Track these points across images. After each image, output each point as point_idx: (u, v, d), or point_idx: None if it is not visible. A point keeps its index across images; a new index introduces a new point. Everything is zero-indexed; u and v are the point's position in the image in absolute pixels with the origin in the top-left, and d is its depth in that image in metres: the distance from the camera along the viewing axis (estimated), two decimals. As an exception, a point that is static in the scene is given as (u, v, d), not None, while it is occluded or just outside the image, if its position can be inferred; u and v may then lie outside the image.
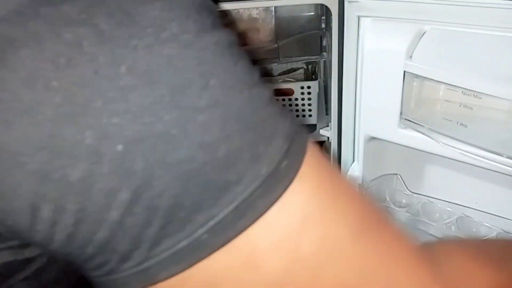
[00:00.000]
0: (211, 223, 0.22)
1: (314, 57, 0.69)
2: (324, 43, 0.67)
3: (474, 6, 0.42)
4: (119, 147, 0.20)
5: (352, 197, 0.26)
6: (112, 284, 0.23)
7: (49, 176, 0.20)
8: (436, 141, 0.48)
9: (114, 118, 0.20)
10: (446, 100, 0.46)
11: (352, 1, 0.50)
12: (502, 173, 0.45)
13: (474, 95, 0.43)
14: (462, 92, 0.44)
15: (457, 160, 0.48)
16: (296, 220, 0.23)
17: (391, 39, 0.48)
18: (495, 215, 0.55)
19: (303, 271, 0.24)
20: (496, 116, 0.44)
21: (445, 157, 0.49)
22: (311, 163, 0.24)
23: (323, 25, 0.66)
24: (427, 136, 0.49)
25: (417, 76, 0.47)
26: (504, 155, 0.44)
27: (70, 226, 0.21)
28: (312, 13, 0.67)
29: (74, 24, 0.20)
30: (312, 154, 0.25)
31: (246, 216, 0.22)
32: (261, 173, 0.22)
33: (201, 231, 0.22)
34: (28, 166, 0.20)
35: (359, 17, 0.51)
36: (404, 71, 0.47)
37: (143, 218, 0.21)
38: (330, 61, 0.61)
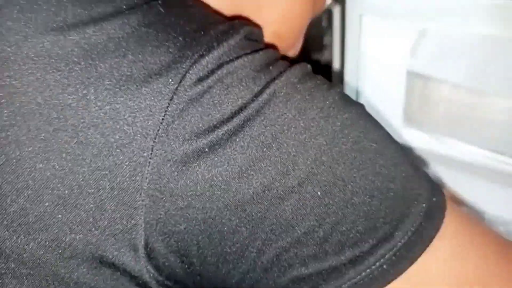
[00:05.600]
0: (390, 254, 0.24)
1: (315, 56, 0.69)
2: (325, 41, 0.66)
3: (478, 6, 0.42)
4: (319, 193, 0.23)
5: None
6: None
7: None
8: (439, 141, 0.48)
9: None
10: (449, 100, 0.46)
11: (353, 0, 0.50)
12: (506, 173, 0.45)
13: (477, 94, 0.43)
14: (466, 91, 0.44)
15: (460, 160, 0.48)
16: (456, 245, 0.25)
17: (393, 38, 0.47)
18: (497, 215, 0.55)
19: None
20: (500, 115, 0.43)
21: (449, 157, 0.49)
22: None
23: (324, 24, 0.65)
24: (431, 135, 0.49)
25: (420, 75, 0.46)
26: (507, 155, 0.44)
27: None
28: (313, 12, 0.67)
29: None
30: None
31: (416, 248, 0.24)
32: (423, 206, 0.25)
33: (382, 261, 0.24)
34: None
35: (361, 16, 0.51)
36: (407, 70, 0.47)
37: (334, 250, 0.24)
38: (332, 60, 0.60)
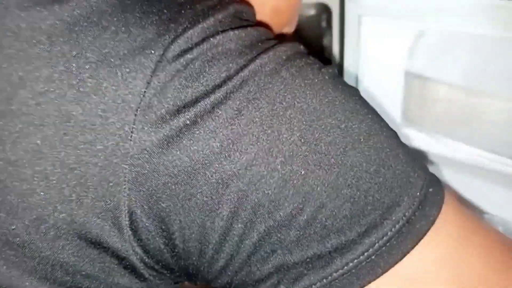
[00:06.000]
0: (379, 244, 0.23)
1: (314, 56, 0.69)
2: (324, 42, 0.67)
3: (476, 6, 0.42)
4: (303, 172, 0.23)
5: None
6: None
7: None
8: (438, 141, 0.48)
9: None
10: (448, 100, 0.46)
11: (353, 0, 0.50)
12: (505, 174, 0.45)
13: (475, 95, 0.43)
14: (464, 92, 0.44)
15: (458, 160, 0.48)
16: (453, 240, 0.24)
17: (392, 38, 0.47)
18: (495, 215, 0.55)
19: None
20: (498, 116, 0.44)
21: (447, 157, 0.49)
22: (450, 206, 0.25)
23: (324, 25, 0.65)
24: (429, 136, 0.49)
25: (418, 75, 0.46)
26: (505, 155, 0.44)
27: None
28: (313, 13, 0.67)
29: None
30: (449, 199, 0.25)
31: (408, 239, 0.23)
32: (417, 195, 0.24)
33: (371, 251, 0.23)
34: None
35: (360, 16, 0.51)
36: (405, 71, 0.47)
37: (319, 236, 0.23)
38: (331, 60, 0.60)
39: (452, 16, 0.44)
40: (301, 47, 0.26)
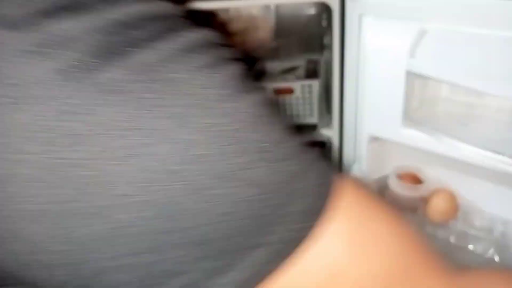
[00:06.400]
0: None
1: (315, 56, 0.69)
2: (325, 41, 0.67)
3: (477, 6, 0.42)
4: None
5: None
6: None
7: None
8: (439, 141, 0.48)
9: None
10: (449, 100, 0.46)
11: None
12: (505, 173, 0.45)
13: (476, 94, 0.43)
14: (465, 91, 0.44)
15: (459, 160, 0.48)
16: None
17: (393, 38, 0.47)
18: (496, 214, 0.55)
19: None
20: (499, 115, 0.44)
21: (448, 157, 0.49)
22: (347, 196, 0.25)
23: (324, 24, 0.65)
24: (430, 135, 0.49)
25: (419, 75, 0.46)
26: (506, 155, 0.44)
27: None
28: (313, 12, 0.67)
29: None
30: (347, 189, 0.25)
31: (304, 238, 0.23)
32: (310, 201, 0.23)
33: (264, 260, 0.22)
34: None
35: (360, 16, 0.51)
36: (406, 70, 0.47)
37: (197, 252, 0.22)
38: (332, 60, 0.60)
39: (453, 16, 0.44)
40: (215, 34, 0.23)
